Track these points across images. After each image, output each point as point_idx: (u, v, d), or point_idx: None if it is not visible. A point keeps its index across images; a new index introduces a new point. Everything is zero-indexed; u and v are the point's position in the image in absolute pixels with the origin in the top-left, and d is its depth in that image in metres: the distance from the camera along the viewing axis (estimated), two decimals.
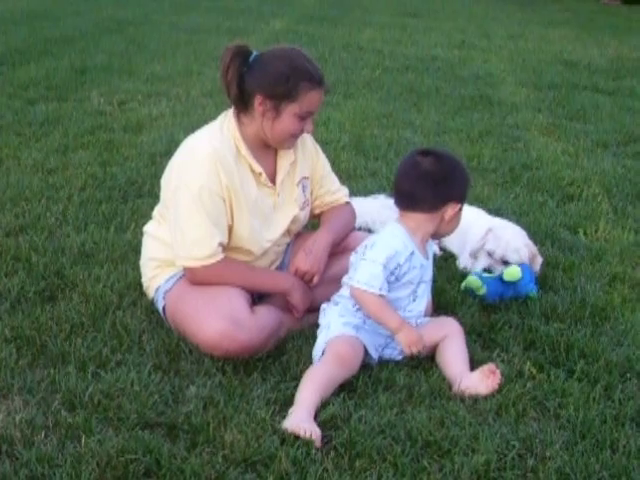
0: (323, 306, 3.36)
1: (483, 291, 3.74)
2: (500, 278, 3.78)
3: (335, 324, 3.20)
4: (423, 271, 3.28)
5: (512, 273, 3.74)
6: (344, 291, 3.29)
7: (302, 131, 3.38)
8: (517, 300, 3.78)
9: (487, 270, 3.94)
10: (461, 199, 3.26)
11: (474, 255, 4.07)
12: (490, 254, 3.96)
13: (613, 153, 6.62)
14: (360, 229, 4.31)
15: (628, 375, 3.23)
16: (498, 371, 3.07)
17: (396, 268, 3.17)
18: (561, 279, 4.07)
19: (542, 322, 3.62)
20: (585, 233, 4.76)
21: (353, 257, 3.30)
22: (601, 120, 7.75)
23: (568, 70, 10.59)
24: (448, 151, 3.53)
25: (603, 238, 4.70)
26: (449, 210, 3.21)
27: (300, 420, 2.73)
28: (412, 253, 3.20)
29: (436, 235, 3.34)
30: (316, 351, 3.18)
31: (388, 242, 3.19)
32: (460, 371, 3.13)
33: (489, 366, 3.10)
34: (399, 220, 3.29)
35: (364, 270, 3.15)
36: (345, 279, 3.28)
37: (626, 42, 13.88)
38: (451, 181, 3.22)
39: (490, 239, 3.99)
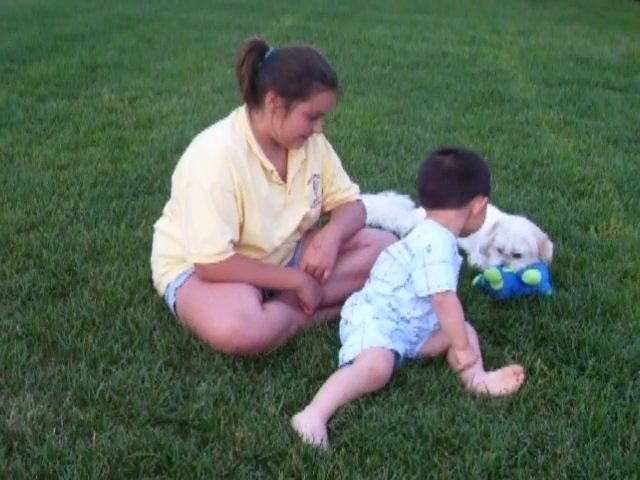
0: (351, 300, 3.30)
1: (500, 286, 3.72)
2: (517, 276, 3.76)
3: (371, 329, 3.11)
4: (456, 267, 3.28)
5: (532, 277, 3.73)
6: (378, 287, 3.24)
7: (311, 132, 3.37)
8: (528, 297, 3.77)
9: (503, 266, 3.91)
10: (487, 192, 3.29)
11: (484, 251, 4.07)
12: (501, 250, 3.95)
13: (624, 150, 6.60)
14: (370, 226, 4.32)
15: (639, 372, 3.22)
16: (522, 376, 3.06)
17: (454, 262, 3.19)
18: (572, 276, 4.06)
19: (553, 319, 3.61)
20: (596, 230, 4.74)
21: (381, 256, 3.29)
22: (612, 117, 7.73)
23: (579, 66, 10.56)
24: (466, 147, 3.53)
25: (614, 235, 4.69)
26: (476, 204, 3.24)
27: (312, 428, 2.70)
28: (455, 248, 3.24)
29: (465, 231, 3.33)
30: (348, 352, 3.08)
31: (443, 238, 3.16)
32: (474, 369, 3.12)
33: (514, 368, 3.10)
34: (429, 218, 3.28)
35: (438, 273, 3.07)
36: (379, 275, 3.25)
37: (637, 38, 13.84)
38: (475, 175, 3.26)
39: (498, 234, 3.98)
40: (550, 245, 4.03)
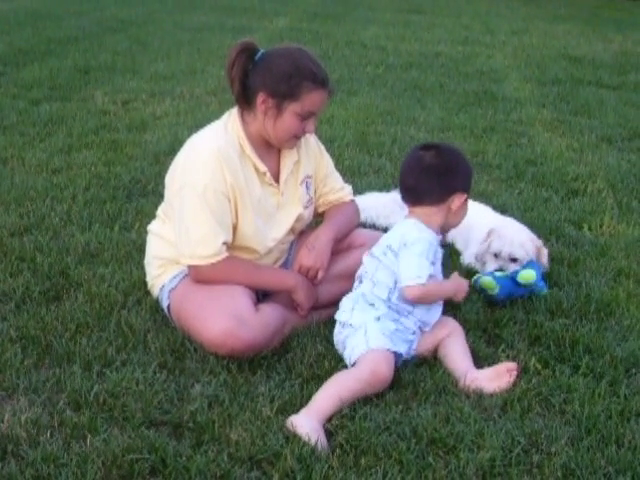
0: (349, 304, 3.25)
1: (497, 291, 3.71)
2: (512, 278, 3.75)
3: (373, 330, 3.10)
4: (438, 262, 3.30)
5: (527, 276, 3.71)
6: (375, 289, 3.22)
7: (304, 131, 3.37)
8: (522, 296, 3.77)
9: (499, 270, 3.89)
10: (466, 189, 3.30)
11: (480, 259, 4.05)
12: (497, 255, 3.94)
13: (618, 148, 6.62)
14: (365, 224, 4.33)
15: (633, 370, 3.23)
16: (514, 373, 3.07)
17: (433, 260, 3.20)
18: (566, 274, 4.06)
19: (547, 318, 3.62)
20: (590, 228, 4.75)
21: (366, 258, 3.30)
22: (605, 115, 7.74)
23: (572, 65, 10.57)
24: (449, 143, 3.57)
25: (608, 233, 4.69)
26: (455, 201, 3.26)
27: (308, 428, 2.70)
28: (436, 245, 3.26)
29: (445, 227, 3.34)
30: (354, 353, 3.07)
31: (421, 235, 3.19)
32: (467, 366, 3.14)
33: (508, 365, 3.10)
34: (410, 216, 3.30)
35: (410, 266, 3.13)
36: (369, 277, 3.23)
37: (630, 37, 13.87)
38: (454, 172, 3.28)
39: (494, 240, 3.96)
40: (545, 251, 4.03)
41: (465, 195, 3.29)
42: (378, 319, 3.16)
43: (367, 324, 3.14)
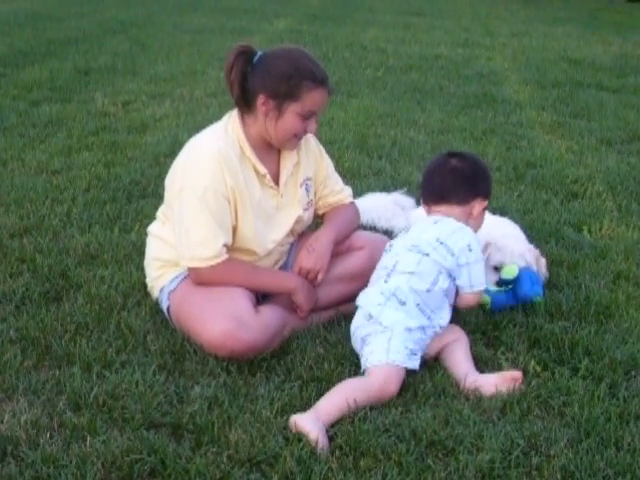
0: (379, 296, 3.17)
1: (489, 306, 3.67)
2: (508, 292, 3.72)
3: (397, 341, 3.05)
4: None
5: (509, 271, 3.68)
6: (412, 283, 3.15)
7: (305, 131, 3.38)
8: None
9: (498, 282, 3.84)
10: (487, 196, 3.43)
11: None
12: (497, 268, 3.87)
13: (617, 151, 6.61)
14: (365, 226, 4.32)
15: (633, 373, 3.23)
16: (519, 382, 3.06)
17: None
18: (565, 277, 4.06)
19: (546, 320, 3.61)
20: (589, 231, 4.75)
21: (402, 251, 3.26)
22: (605, 118, 7.74)
23: (572, 68, 10.58)
24: (472, 152, 3.76)
25: (607, 236, 4.69)
26: (477, 205, 3.39)
27: (312, 427, 2.70)
28: None
29: None
30: (371, 358, 3.04)
31: (475, 237, 3.31)
32: (467, 368, 3.14)
33: (513, 373, 3.09)
34: (436, 214, 3.38)
35: (479, 272, 3.27)
36: (403, 269, 3.19)
37: (630, 39, 13.87)
38: (480, 177, 3.44)
39: (493, 253, 3.90)
40: (544, 261, 4.00)
41: (486, 202, 3.41)
42: (410, 330, 3.10)
43: (394, 330, 3.08)
